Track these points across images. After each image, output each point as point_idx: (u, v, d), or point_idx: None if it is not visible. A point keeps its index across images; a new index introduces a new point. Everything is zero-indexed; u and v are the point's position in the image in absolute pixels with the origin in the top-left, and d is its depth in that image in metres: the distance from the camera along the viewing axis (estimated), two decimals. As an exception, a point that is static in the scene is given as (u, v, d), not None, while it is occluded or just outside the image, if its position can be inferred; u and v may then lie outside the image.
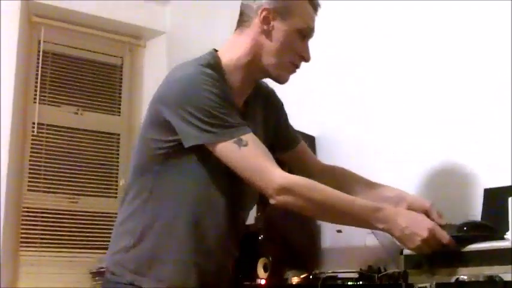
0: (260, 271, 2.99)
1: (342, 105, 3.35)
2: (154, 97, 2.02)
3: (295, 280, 2.80)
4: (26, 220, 4.17)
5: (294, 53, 2.07)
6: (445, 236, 1.94)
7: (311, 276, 2.75)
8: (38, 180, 4.26)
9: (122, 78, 4.80)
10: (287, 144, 2.34)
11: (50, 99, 4.44)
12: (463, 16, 2.80)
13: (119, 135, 4.66)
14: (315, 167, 2.40)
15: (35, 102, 4.35)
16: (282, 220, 3.09)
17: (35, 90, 4.37)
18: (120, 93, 4.77)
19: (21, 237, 4.13)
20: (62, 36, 4.56)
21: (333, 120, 3.39)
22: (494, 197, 2.39)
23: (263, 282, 2.93)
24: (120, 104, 4.73)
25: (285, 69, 2.08)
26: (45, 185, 4.29)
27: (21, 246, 4.11)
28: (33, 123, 4.32)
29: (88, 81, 4.64)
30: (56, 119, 4.44)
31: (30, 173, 4.27)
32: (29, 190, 4.24)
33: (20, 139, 4.22)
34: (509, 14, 2.60)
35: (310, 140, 3.43)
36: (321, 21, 3.40)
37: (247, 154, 1.88)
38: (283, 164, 2.28)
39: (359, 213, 1.92)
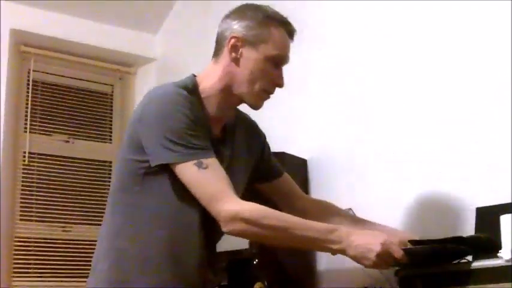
0: (256, 295, 2.99)
1: (333, 128, 3.36)
2: (131, 117, 2.05)
3: (291, 303, 2.81)
4: (19, 250, 4.15)
5: (266, 81, 2.08)
6: (397, 251, 1.91)
7: (307, 299, 2.75)
8: (30, 210, 4.25)
9: (112, 106, 4.81)
10: (270, 174, 2.36)
11: (41, 128, 4.44)
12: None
13: (110, 162, 4.65)
14: (301, 201, 2.42)
15: (25, 132, 4.35)
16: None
17: (26, 120, 4.37)
18: (111, 121, 4.77)
19: (14, 267, 4.11)
20: (51, 65, 4.57)
21: (324, 143, 3.40)
22: (486, 215, 2.40)
23: (259, 306, 2.94)
24: (111, 132, 4.74)
25: (257, 97, 2.10)
26: (38, 214, 4.28)
27: (14, 276, 4.08)
28: (24, 153, 4.31)
29: (79, 109, 4.64)
30: (47, 147, 4.43)
31: (22, 202, 4.25)
32: (21, 219, 4.22)
33: (11, 168, 4.21)
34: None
35: (302, 163, 3.44)
36: (309, 46, 3.45)
37: (204, 178, 1.89)
38: (264, 197, 2.30)
39: (313, 236, 1.91)
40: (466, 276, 1.98)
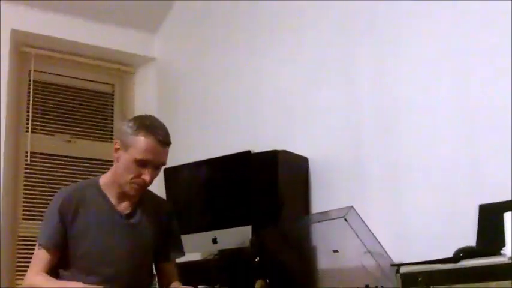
0: (257, 293, 3.01)
1: (335, 127, 3.38)
2: None
3: (293, 301, 2.83)
4: (22, 249, 4.16)
5: (133, 176, 2.60)
6: None
7: (309, 297, 2.77)
8: (33, 209, 4.26)
9: (113, 105, 4.82)
10: (160, 256, 2.81)
11: (42, 128, 4.45)
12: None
13: (112, 161, 4.64)
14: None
15: (27, 132, 4.36)
16: (277, 242, 3.11)
17: (27, 120, 4.38)
18: (112, 120, 4.78)
19: (17, 266, 4.12)
20: (52, 65, 4.58)
21: (325, 141, 3.42)
22: (489, 212, 2.42)
23: (261, 304, 2.96)
24: (112, 131, 4.74)
25: (128, 188, 2.62)
26: (40, 214, 4.28)
27: (17, 275, 4.10)
28: (26, 153, 4.32)
29: (79, 109, 4.65)
30: (48, 147, 4.44)
31: (24, 201, 4.26)
32: (24, 219, 4.24)
33: (13, 168, 4.22)
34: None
35: (303, 161, 3.46)
36: (315, 41, 3.46)
37: (35, 254, 2.66)
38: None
39: None
40: (469, 273, 2.00)
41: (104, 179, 2.74)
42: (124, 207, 2.72)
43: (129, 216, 2.71)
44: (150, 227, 2.75)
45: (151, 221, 2.76)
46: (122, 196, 2.69)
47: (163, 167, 2.71)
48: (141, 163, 2.58)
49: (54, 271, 2.68)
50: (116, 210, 2.70)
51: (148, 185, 2.67)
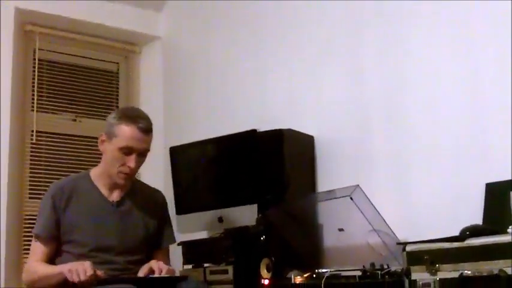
0: (263, 271, 3.02)
1: (341, 106, 3.37)
2: None
3: (298, 279, 2.83)
4: (28, 227, 4.17)
5: (119, 165, 2.77)
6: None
7: (314, 275, 2.77)
8: (39, 188, 4.27)
9: (118, 84, 4.81)
10: (154, 244, 2.97)
11: (48, 107, 4.44)
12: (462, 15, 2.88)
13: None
14: None
15: (32, 111, 4.36)
16: (283, 221, 3.12)
17: (32, 99, 4.37)
18: (117, 99, 4.78)
19: (24, 244, 4.14)
20: (57, 43, 4.57)
21: (331, 120, 3.41)
22: (496, 191, 2.42)
23: (266, 282, 2.97)
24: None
25: (116, 177, 2.80)
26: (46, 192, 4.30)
27: (24, 254, 4.12)
28: (32, 131, 4.32)
29: (85, 87, 4.64)
30: (54, 126, 4.45)
31: (30, 180, 4.27)
32: (30, 198, 4.25)
33: (19, 147, 4.23)
34: (509, 12, 2.64)
35: (309, 140, 3.46)
36: (321, 19, 3.44)
37: (33, 245, 2.83)
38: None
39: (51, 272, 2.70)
40: (475, 253, 2.00)
41: (94, 171, 2.92)
42: (114, 196, 2.89)
43: (119, 204, 2.88)
44: (141, 215, 2.91)
45: (143, 209, 2.92)
46: (112, 186, 2.87)
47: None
48: (125, 151, 2.74)
49: (51, 263, 2.80)
50: (106, 199, 2.87)
51: (135, 172, 2.84)
